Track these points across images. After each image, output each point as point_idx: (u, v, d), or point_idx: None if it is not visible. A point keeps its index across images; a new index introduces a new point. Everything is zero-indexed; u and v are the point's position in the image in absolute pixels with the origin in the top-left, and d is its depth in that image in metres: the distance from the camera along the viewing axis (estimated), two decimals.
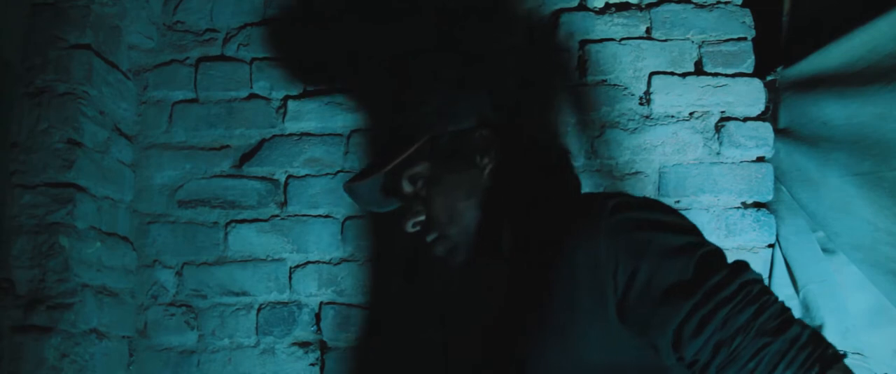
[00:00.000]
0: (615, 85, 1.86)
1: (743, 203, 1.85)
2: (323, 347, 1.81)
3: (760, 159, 1.86)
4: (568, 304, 1.05)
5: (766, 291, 0.99)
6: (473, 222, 1.24)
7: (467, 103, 1.31)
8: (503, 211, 1.25)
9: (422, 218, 1.26)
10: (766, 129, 1.86)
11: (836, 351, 0.94)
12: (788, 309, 0.98)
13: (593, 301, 1.02)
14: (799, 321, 0.96)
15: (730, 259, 1.05)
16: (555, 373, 1.06)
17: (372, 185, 1.35)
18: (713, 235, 1.82)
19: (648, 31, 1.89)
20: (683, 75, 1.86)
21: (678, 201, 1.83)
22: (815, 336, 0.95)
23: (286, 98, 1.89)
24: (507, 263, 1.27)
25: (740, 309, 0.95)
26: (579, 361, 1.04)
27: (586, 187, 1.82)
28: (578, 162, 1.84)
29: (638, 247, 1.00)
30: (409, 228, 1.27)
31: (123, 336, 1.76)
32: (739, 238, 1.83)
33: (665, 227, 1.04)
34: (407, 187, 1.28)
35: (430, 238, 1.27)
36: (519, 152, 1.30)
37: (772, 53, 1.89)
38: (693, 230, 1.08)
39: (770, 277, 1.82)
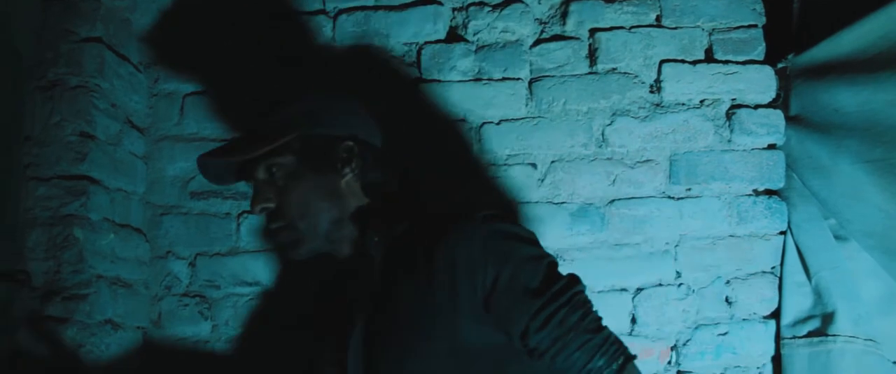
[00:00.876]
0: (626, 73, 1.86)
1: (754, 191, 1.85)
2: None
3: (772, 147, 1.86)
4: (448, 294, 1.22)
5: (588, 299, 1.26)
6: (324, 223, 1.36)
7: (342, 114, 1.43)
8: (361, 219, 1.39)
9: (271, 205, 1.36)
10: (777, 116, 1.86)
11: (630, 352, 1.24)
12: (600, 316, 1.25)
13: (468, 293, 1.21)
14: (606, 326, 1.24)
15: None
16: (435, 356, 1.23)
17: (228, 163, 1.43)
18: (724, 222, 1.83)
19: (658, 18, 1.89)
20: (694, 63, 1.86)
21: (689, 189, 1.83)
22: (618, 338, 1.24)
23: None
24: (372, 266, 1.37)
25: (572, 312, 1.20)
26: (454, 344, 1.22)
27: (599, 175, 1.83)
28: (589, 151, 1.84)
29: (505, 253, 1.22)
30: (257, 211, 1.36)
31: (138, 327, 1.78)
32: (751, 225, 1.83)
33: (523, 239, 1.27)
34: (262, 175, 1.37)
35: (274, 226, 1.36)
36: (377, 171, 1.43)
37: (782, 40, 1.88)
38: (539, 243, 1.31)
39: (782, 264, 1.82)
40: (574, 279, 1.26)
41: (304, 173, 1.36)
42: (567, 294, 1.21)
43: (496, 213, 1.31)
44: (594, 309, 1.26)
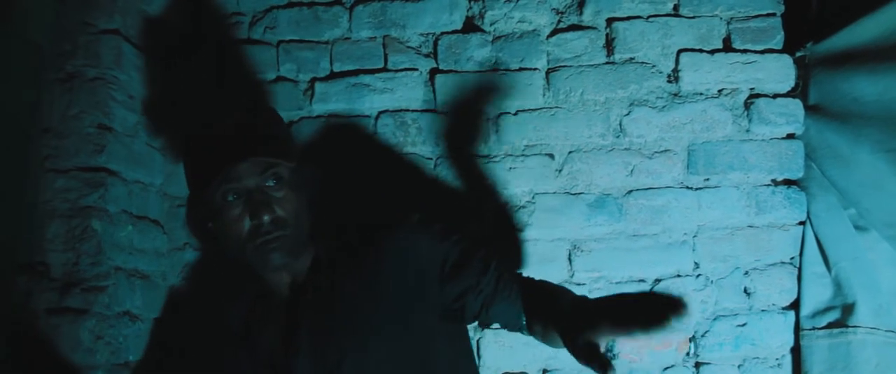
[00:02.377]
0: (643, 63, 1.85)
1: (773, 180, 1.83)
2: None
3: (790, 136, 1.85)
4: (402, 283, 1.41)
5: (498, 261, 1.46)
6: (306, 230, 1.46)
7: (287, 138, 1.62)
8: (315, 228, 1.50)
9: (279, 214, 1.39)
10: (796, 105, 1.84)
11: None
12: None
13: (419, 278, 1.41)
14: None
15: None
16: (397, 337, 1.39)
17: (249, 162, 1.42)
18: (743, 212, 1.82)
19: (676, 7, 1.88)
20: (712, 52, 1.85)
21: (707, 180, 1.82)
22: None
23: (313, 80, 1.89)
24: (318, 270, 1.49)
25: (496, 271, 1.42)
26: (412, 324, 1.40)
27: (616, 165, 1.82)
28: (607, 141, 1.83)
29: (444, 240, 1.45)
30: (266, 219, 1.38)
31: (155, 318, 1.78)
32: (770, 215, 1.82)
33: (451, 230, 1.48)
34: (270, 181, 1.40)
35: (277, 233, 1.39)
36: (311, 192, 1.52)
37: (801, 29, 1.87)
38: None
39: (801, 255, 1.81)
40: (489, 248, 1.48)
41: (297, 186, 1.44)
42: (490, 257, 1.44)
43: (421, 216, 1.59)
44: (507, 269, 1.46)
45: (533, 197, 1.83)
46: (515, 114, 1.85)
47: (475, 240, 1.48)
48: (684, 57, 1.85)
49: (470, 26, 1.89)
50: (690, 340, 1.81)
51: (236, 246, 1.41)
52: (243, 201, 1.38)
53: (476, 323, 1.48)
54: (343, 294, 1.43)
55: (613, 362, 1.78)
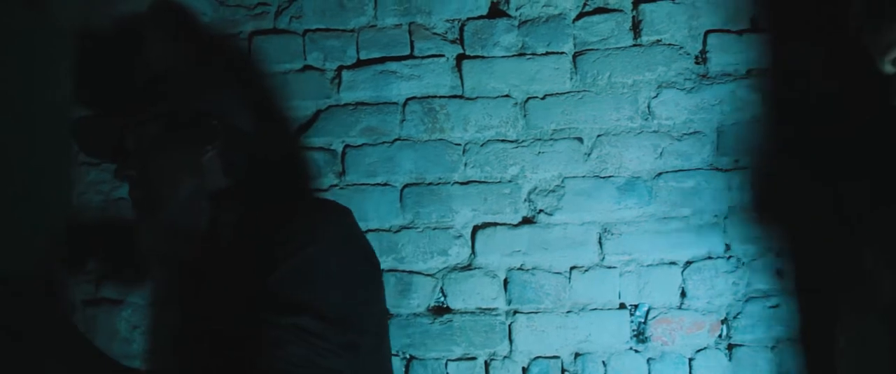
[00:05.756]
0: (671, 44, 1.84)
1: None
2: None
3: None
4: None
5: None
6: (181, 195, 1.35)
7: (214, 92, 1.43)
8: (218, 198, 1.38)
9: (133, 172, 1.36)
10: None
11: None
12: None
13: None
14: None
15: None
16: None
17: (104, 129, 1.42)
18: None
19: None
20: (740, 33, 1.84)
21: (737, 161, 1.81)
22: None
23: (340, 68, 1.89)
24: (217, 244, 1.35)
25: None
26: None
27: (645, 148, 1.81)
28: (635, 123, 1.82)
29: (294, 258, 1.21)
30: (120, 177, 1.37)
31: None
32: None
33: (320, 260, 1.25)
34: (131, 143, 1.38)
35: (135, 193, 1.37)
36: (241, 155, 1.44)
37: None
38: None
39: None
40: None
41: (167, 145, 1.37)
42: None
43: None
44: None
45: (562, 181, 1.83)
46: (543, 98, 1.84)
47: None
48: (712, 38, 1.83)
49: (495, 11, 1.88)
50: (722, 322, 1.80)
51: None
52: None
53: None
54: (221, 277, 1.30)
55: (646, 344, 1.79)
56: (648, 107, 1.83)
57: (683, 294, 1.80)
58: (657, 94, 1.83)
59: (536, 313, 1.83)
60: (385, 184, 1.87)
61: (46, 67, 1.34)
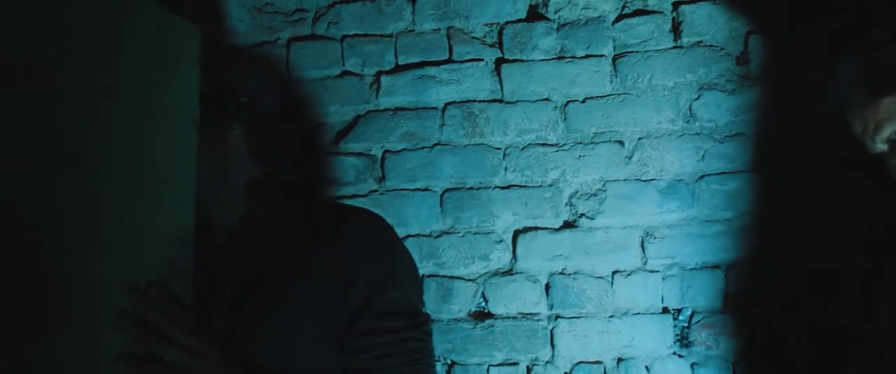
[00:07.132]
0: (711, 46, 1.82)
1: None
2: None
3: None
4: (327, 272, 1.24)
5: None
6: (206, 170, 1.24)
7: (242, 72, 1.38)
8: (246, 185, 1.33)
9: None
10: None
11: None
12: None
13: (328, 287, 1.24)
14: None
15: None
16: (300, 321, 1.23)
17: None
18: None
19: None
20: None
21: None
22: None
23: (379, 74, 1.89)
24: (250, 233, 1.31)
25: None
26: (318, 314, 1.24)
27: (687, 151, 1.80)
28: (677, 126, 1.81)
29: (367, 273, 1.26)
30: None
31: None
32: None
33: (396, 268, 1.32)
34: None
35: None
36: (269, 142, 1.38)
37: None
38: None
39: None
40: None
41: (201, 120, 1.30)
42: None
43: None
44: None
45: (603, 185, 1.82)
46: (583, 101, 1.83)
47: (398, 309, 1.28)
48: (753, 39, 1.82)
49: (534, 15, 1.87)
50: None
51: None
52: None
53: None
54: (262, 271, 1.27)
55: (690, 349, 1.77)
56: (690, 109, 1.81)
57: (727, 297, 1.79)
58: (699, 96, 1.81)
59: (578, 317, 1.81)
60: (425, 189, 1.86)
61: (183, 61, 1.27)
